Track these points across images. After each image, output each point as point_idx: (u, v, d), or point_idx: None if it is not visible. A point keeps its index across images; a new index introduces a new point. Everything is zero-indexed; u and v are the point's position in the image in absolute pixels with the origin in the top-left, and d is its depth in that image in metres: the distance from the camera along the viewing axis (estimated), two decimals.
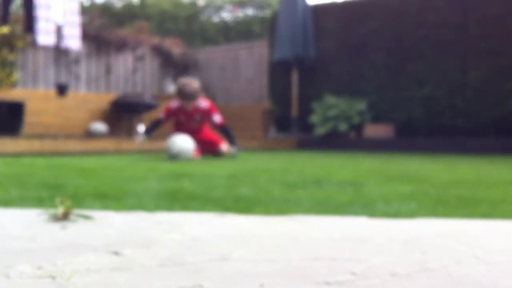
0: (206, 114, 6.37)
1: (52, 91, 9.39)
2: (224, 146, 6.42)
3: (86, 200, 2.48)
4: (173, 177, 3.62)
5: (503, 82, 8.09)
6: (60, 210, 2.02)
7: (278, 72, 10.21)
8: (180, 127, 6.35)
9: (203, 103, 6.36)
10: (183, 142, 5.68)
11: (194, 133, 6.31)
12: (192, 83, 6.26)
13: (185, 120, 6.36)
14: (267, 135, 10.18)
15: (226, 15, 15.41)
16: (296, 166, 5.10)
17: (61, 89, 9.29)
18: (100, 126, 9.31)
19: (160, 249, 1.57)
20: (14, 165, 4.60)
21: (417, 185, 3.24)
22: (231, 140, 6.40)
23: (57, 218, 2.01)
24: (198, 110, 6.32)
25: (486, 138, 8.13)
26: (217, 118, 6.37)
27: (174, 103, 6.35)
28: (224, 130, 6.42)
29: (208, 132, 6.54)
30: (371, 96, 9.08)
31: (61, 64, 10.15)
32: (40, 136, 7.15)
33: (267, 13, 13.93)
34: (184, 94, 6.18)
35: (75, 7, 8.74)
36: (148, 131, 6.53)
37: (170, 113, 6.39)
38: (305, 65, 9.81)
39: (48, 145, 6.79)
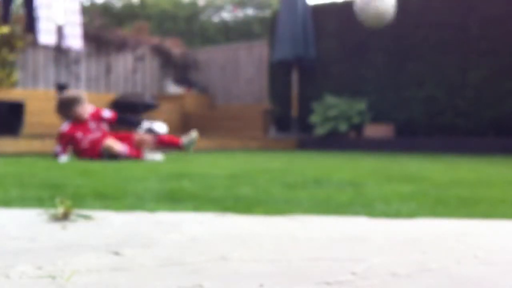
0: (97, 117, 5.69)
1: (52, 91, 9.39)
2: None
3: (86, 200, 2.48)
4: (173, 177, 3.62)
5: (503, 82, 8.09)
6: (60, 210, 2.02)
7: (278, 72, 10.20)
8: (81, 147, 5.65)
9: (89, 108, 5.71)
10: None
11: (97, 143, 5.63)
12: (66, 92, 5.76)
13: (83, 135, 5.63)
14: (267, 135, 10.17)
15: (226, 15, 15.40)
16: (296, 166, 5.10)
17: (61, 89, 9.28)
18: None
19: (160, 249, 1.57)
20: (14, 165, 4.60)
21: (417, 185, 3.24)
22: (134, 124, 5.77)
23: (57, 218, 2.01)
24: (90, 117, 5.65)
25: (486, 138, 8.13)
26: (106, 113, 5.71)
27: (64, 126, 5.65)
28: (122, 120, 5.76)
29: (117, 135, 5.82)
30: (371, 96, 9.08)
31: (61, 64, 10.15)
32: (40, 136, 7.15)
33: (267, 13, 13.92)
34: (65, 101, 5.55)
35: (75, 6, 8.74)
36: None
37: (66, 138, 5.60)
38: (305, 65, 9.81)
39: (48, 145, 6.79)
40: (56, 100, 5.69)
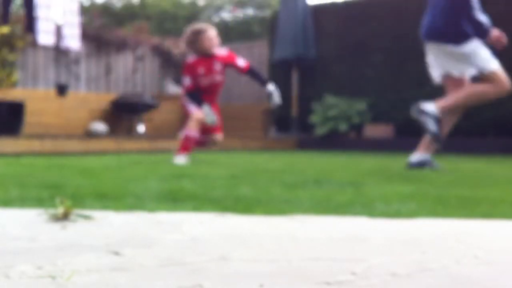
0: (227, 61, 5.41)
1: (52, 91, 9.39)
2: (220, 136, 5.68)
3: (86, 200, 2.48)
4: (173, 177, 3.62)
5: None
6: (60, 210, 2.02)
7: (278, 72, 10.20)
8: (200, 85, 5.35)
9: (221, 50, 5.46)
10: None
11: (216, 88, 5.44)
12: (194, 24, 5.58)
13: (204, 72, 5.34)
14: (267, 135, 10.17)
15: (226, 15, 15.41)
16: (296, 166, 5.10)
17: (61, 89, 9.29)
18: (100, 126, 9.31)
19: (160, 249, 1.57)
20: (14, 165, 4.60)
21: (417, 185, 3.24)
22: (264, 81, 5.48)
23: (57, 218, 2.01)
24: (218, 57, 5.37)
25: (486, 138, 8.13)
26: (241, 62, 5.44)
27: (189, 58, 5.44)
28: (252, 73, 5.47)
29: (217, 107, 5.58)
30: (371, 96, 9.08)
31: (61, 64, 10.15)
32: (40, 136, 7.15)
33: (267, 13, 13.93)
34: (191, 34, 5.30)
35: (75, 7, 8.74)
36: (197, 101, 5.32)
37: (189, 70, 5.34)
38: (305, 65, 9.81)
39: (48, 145, 6.79)
40: (188, 30, 5.47)
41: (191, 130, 5.32)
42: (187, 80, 5.35)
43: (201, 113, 5.29)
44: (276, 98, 5.37)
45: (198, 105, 5.30)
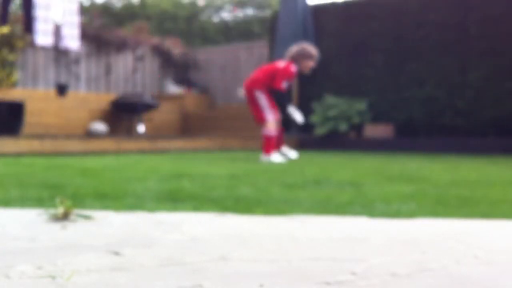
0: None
1: (52, 91, 9.39)
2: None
3: (86, 200, 2.48)
4: (173, 177, 3.62)
5: (503, 82, 8.08)
6: (60, 210, 2.02)
7: None
8: (280, 86, 6.04)
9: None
10: None
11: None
12: (310, 46, 6.29)
13: (288, 80, 6.17)
14: None
15: (226, 15, 15.41)
16: (296, 166, 5.10)
17: (61, 89, 9.29)
18: (100, 126, 9.31)
19: (160, 249, 1.57)
20: (14, 165, 4.60)
21: (417, 185, 3.24)
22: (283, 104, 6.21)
23: (57, 218, 2.01)
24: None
25: (486, 138, 8.13)
26: (283, 85, 6.18)
27: (293, 67, 6.08)
28: (277, 95, 6.13)
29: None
30: (371, 96, 9.07)
31: (61, 64, 10.15)
32: (40, 136, 7.15)
33: (267, 13, 13.93)
34: (307, 53, 6.08)
35: (74, 7, 8.74)
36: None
37: (292, 77, 6.18)
38: None
39: (48, 145, 6.79)
40: (303, 47, 6.18)
41: (270, 131, 5.95)
42: (285, 84, 6.08)
43: (273, 116, 6.02)
44: (298, 118, 6.08)
45: (289, 102, 6.24)
